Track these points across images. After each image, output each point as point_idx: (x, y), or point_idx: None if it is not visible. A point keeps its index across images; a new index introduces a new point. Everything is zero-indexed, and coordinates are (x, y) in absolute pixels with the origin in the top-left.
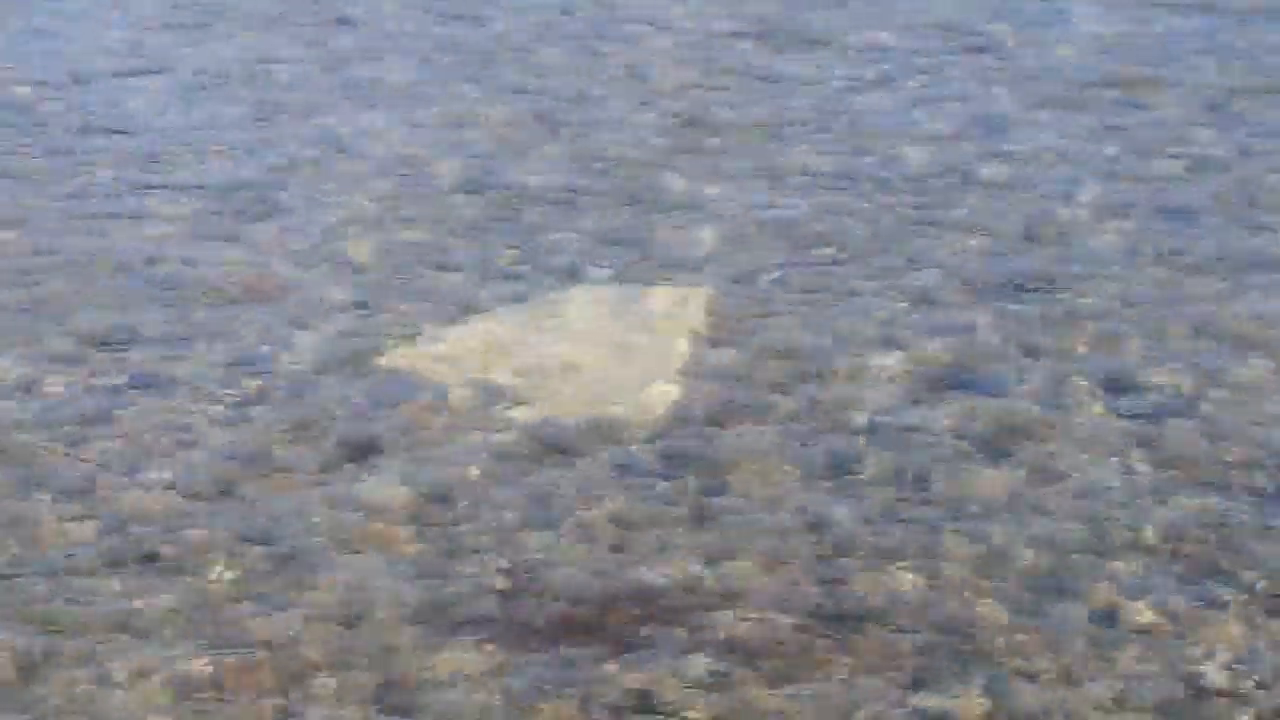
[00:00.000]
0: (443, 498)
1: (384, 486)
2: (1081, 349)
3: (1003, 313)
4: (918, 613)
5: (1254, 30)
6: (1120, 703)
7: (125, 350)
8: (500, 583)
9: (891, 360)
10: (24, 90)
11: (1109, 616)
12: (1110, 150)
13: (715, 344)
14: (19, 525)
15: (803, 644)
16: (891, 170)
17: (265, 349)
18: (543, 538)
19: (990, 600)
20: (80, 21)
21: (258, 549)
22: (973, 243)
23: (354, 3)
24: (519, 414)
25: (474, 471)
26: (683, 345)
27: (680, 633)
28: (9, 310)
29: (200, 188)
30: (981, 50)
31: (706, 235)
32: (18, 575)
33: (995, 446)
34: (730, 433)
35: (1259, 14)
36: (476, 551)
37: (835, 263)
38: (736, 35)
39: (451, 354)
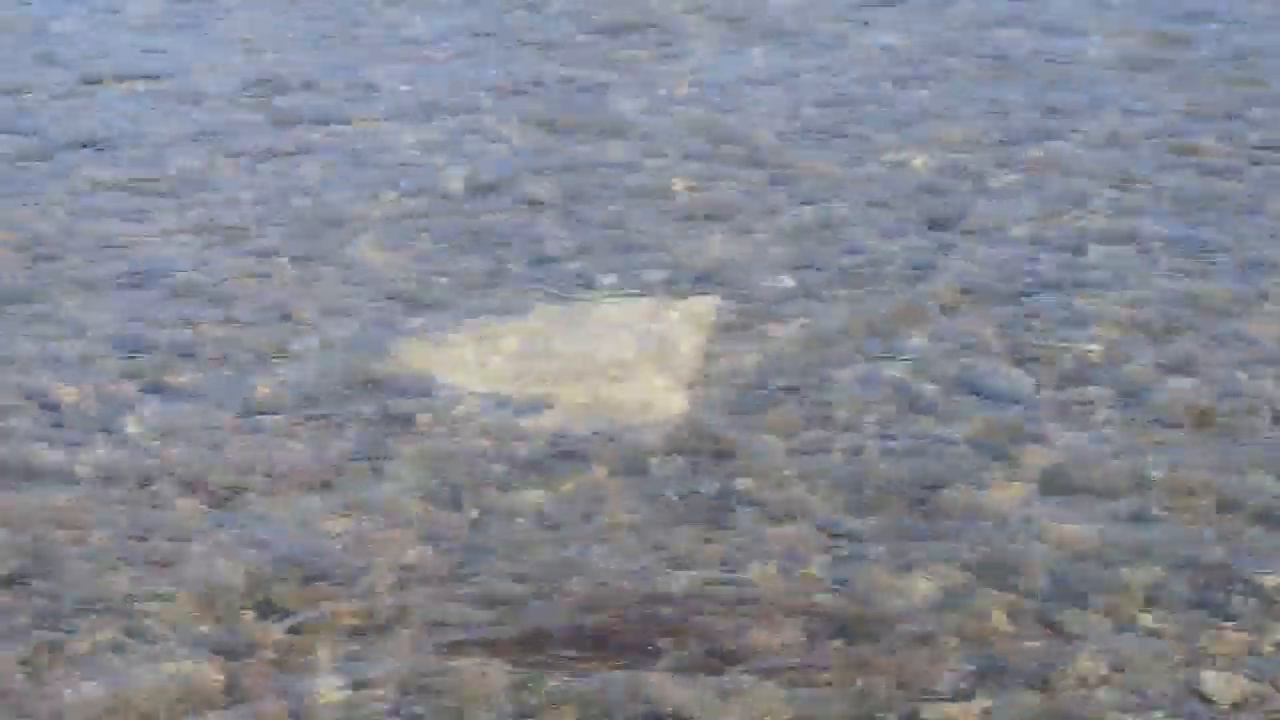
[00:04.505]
0: (454, 504)
1: (394, 492)
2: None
3: (1011, 317)
4: (931, 620)
5: None
6: (1128, 708)
7: (133, 357)
8: (513, 591)
9: (903, 365)
10: (25, 94)
11: (1121, 624)
12: None
13: (727, 350)
14: None
15: (817, 652)
16: (899, 175)
17: (275, 351)
18: (554, 545)
19: (1001, 608)
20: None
21: (267, 555)
22: (982, 249)
23: (364, 2)
24: (531, 421)
25: (485, 478)
26: (695, 351)
27: (695, 641)
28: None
29: (206, 193)
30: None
31: (716, 241)
32: None
33: (1005, 453)
34: (743, 439)
35: None
36: (488, 559)
37: (843, 266)
38: None
39: (462, 360)
